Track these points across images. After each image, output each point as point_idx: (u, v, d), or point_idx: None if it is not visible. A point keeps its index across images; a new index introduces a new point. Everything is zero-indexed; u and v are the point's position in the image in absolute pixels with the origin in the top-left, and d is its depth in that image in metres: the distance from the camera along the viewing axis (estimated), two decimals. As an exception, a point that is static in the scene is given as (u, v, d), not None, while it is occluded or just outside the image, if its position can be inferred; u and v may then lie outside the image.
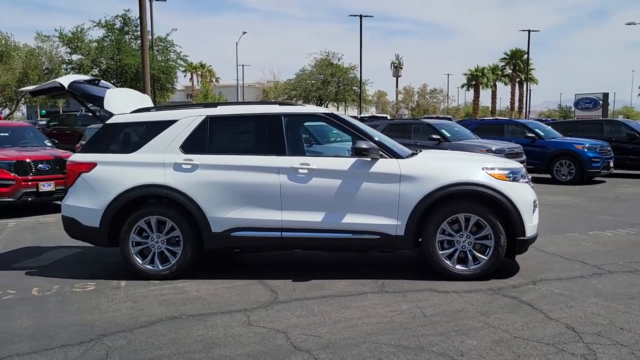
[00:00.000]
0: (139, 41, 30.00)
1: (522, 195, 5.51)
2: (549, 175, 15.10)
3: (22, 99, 31.01)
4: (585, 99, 39.23)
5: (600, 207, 10.41)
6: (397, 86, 64.98)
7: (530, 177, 6.09)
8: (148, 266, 5.75)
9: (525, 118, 45.17)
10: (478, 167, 5.57)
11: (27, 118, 55.76)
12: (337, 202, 5.53)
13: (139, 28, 29.27)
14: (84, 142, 14.71)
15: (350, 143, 9.03)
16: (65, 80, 6.08)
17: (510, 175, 5.57)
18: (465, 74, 64.32)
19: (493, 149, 13.27)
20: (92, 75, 29.02)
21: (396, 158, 5.59)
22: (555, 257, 6.36)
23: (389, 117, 27.67)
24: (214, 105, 6.04)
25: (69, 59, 30.44)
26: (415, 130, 14.91)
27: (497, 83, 64.55)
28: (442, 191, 5.41)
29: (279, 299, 5.06)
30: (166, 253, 5.75)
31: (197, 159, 5.69)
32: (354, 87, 41.12)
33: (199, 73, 75.96)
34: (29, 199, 10.32)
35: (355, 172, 5.53)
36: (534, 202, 5.62)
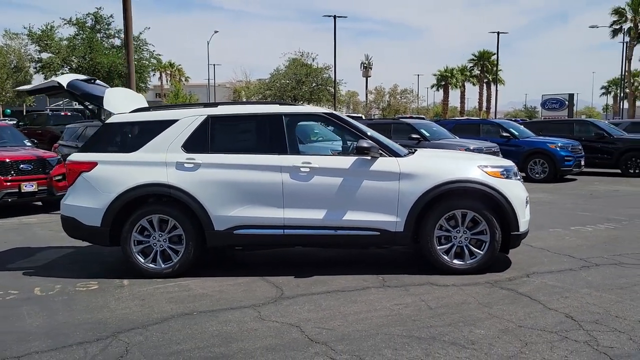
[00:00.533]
0: (111, 40, 29.68)
1: (516, 191, 5.75)
2: (523, 174, 15.51)
3: None
4: (551, 100, 40.25)
5: (576, 204, 10.80)
6: (366, 86, 65.47)
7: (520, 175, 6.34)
8: (150, 265, 5.79)
9: (495, 118, 46.03)
10: (474, 164, 5.78)
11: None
12: (339, 199, 5.67)
13: (111, 26, 29.02)
14: (61, 142, 14.55)
15: (332, 143, 9.24)
16: (64, 79, 6.07)
17: (504, 172, 5.80)
18: (434, 75, 65.28)
19: (471, 147, 13.58)
20: (63, 74, 28.53)
21: (395, 156, 5.76)
22: (544, 252, 6.63)
23: (363, 117, 27.89)
24: (215, 105, 6.11)
25: (38, 57, 29.82)
26: (395, 129, 15.14)
27: (465, 84, 65.69)
28: (440, 188, 5.60)
29: (285, 294, 5.17)
30: (168, 251, 5.80)
31: (200, 158, 5.75)
32: (328, 87, 41.36)
33: (168, 72, 75.13)
34: (9, 199, 10.15)
35: (356, 170, 5.67)
36: (526, 198, 5.87)
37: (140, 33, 29.57)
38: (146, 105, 6.75)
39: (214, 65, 68.79)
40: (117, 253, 6.90)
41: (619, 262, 6.14)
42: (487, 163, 5.87)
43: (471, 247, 5.71)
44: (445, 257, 5.71)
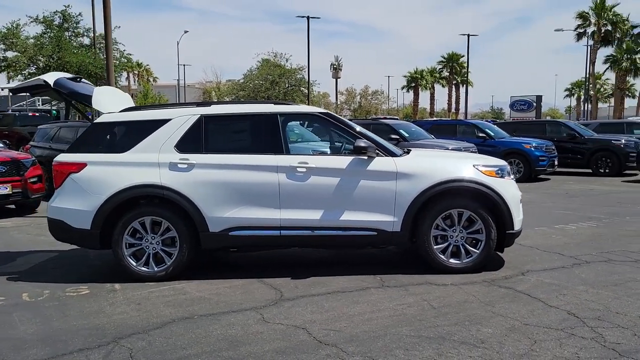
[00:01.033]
0: (79, 38, 29.03)
1: (510, 190, 5.80)
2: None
3: None
4: (520, 101, 41.08)
5: (555, 203, 11.00)
6: (336, 87, 65.63)
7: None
8: (143, 268, 5.65)
9: (466, 119, 46.64)
10: (469, 164, 5.81)
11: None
12: (336, 200, 5.63)
13: (80, 25, 28.39)
14: (33, 143, 14.13)
15: (314, 144, 9.20)
16: (50, 77, 5.88)
17: (499, 171, 5.85)
18: (405, 76, 65.87)
19: (450, 148, 13.70)
20: (29, 73, 27.79)
21: (392, 156, 5.75)
22: (534, 250, 6.71)
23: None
24: (208, 104, 6.00)
25: (3, 56, 28.94)
26: (375, 130, 15.01)
27: (435, 85, 66.47)
28: (436, 188, 5.61)
29: (285, 296, 5.10)
30: (161, 254, 5.67)
31: (193, 158, 5.64)
32: (301, 88, 41.30)
33: (136, 72, 73.87)
34: (-19, 202, 9.82)
35: (353, 170, 5.64)
36: (520, 197, 5.93)
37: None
38: (133, 104, 6.60)
39: (183, 65, 67.79)
40: (103, 256, 6.74)
41: (608, 259, 6.25)
42: (482, 162, 5.91)
43: (467, 246, 5.74)
44: (442, 257, 5.73)
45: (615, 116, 49.65)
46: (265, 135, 5.76)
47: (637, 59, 47.23)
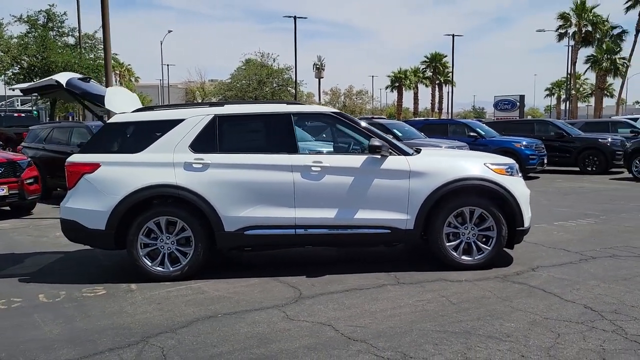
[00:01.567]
0: (64, 38, 28.70)
1: (520, 188, 5.92)
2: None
3: None
4: (503, 101, 41.62)
5: (550, 201, 11.19)
6: (319, 87, 65.84)
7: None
8: (158, 268, 5.66)
9: (451, 118, 47.03)
10: (480, 162, 5.92)
11: None
12: (350, 198, 5.69)
13: (64, 24, 28.06)
14: (25, 144, 13.96)
15: (309, 144, 9.24)
16: (62, 77, 5.84)
17: (509, 169, 5.97)
18: (389, 76, 66.22)
19: (443, 147, 13.86)
20: (13, 73, 27.41)
21: (404, 155, 5.83)
22: (539, 246, 6.84)
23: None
24: (221, 104, 6.02)
25: (-15, 56, 28.44)
26: (368, 130, 15.25)
27: (418, 85, 66.90)
28: (449, 186, 5.71)
29: (304, 294, 5.15)
30: (176, 254, 5.68)
31: (208, 158, 5.66)
32: (289, 88, 41.32)
33: (117, 72, 73.09)
34: (-23, 204, 9.70)
35: (367, 169, 5.71)
36: (529, 194, 6.05)
37: (95, 32, 28.81)
38: (140, 105, 6.59)
39: (167, 65, 67.23)
40: (111, 257, 6.73)
41: (612, 254, 6.40)
42: (492, 161, 6.02)
43: (479, 243, 5.84)
44: (454, 254, 5.82)
45: (596, 115, 50.47)
46: (279, 135, 5.81)
47: (617, 59, 48.10)
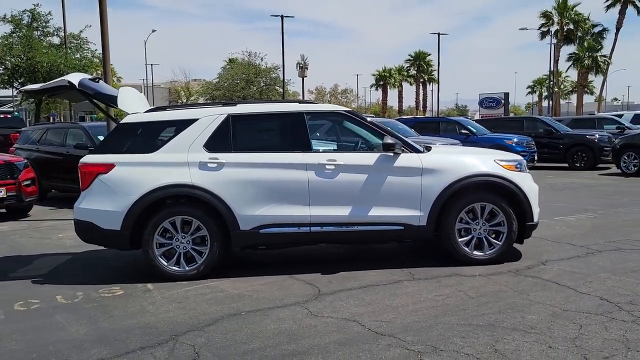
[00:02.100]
0: (49, 38, 28.35)
1: (529, 183, 6.04)
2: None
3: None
4: (488, 98, 41.91)
5: (546, 196, 11.30)
6: (303, 86, 65.89)
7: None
8: (174, 267, 5.67)
9: (438, 116, 47.34)
10: (491, 159, 6.02)
11: None
12: (364, 195, 5.76)
13: (49, 24, 27.70)
14: (17, 146, 13.79)
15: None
16: (74, 78, 5.82)
17: (518, 165, 6.08)
18: (373, 75, 66.54)
19: (437, 144, 13.98)
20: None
21: (416, 152, 5.91)
22: (544, 241, 6.98)
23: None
24: (233, 103, 6.04)
25: (-33, 57, 27.96)
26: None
27: (403, 83, 67.29)
28: (461, 182, 5.80)
29: (323, 291, 5.20)
30: (192, 253, 5.70)
31: (223, 157, 5.68)
32: (276, 87, 41.31)
33: (98, 72, 72.33)
34: (-25, 206, 9.59)
35: (380, 166, 5.78)
36: (537, 190, 6.17)
37: (81, 31, 28.48)
38: (148, 105, 6.58)
39: (151, 65, 66.76)
40: (120, 257, 6.73)
41: (617, 247, 6.56)
42: (502, 157, 6.12)
43: (490, 238, 5.94)
44: (466, 249, 5.92)
45: (578, 112, 51.22)
46: (293, 134, 5.85)
47: (599, 57, 48.87)
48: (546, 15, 49.09)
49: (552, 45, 47.90)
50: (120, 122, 5.88)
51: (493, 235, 5.96)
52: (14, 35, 26.53)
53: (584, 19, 48.95)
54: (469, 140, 16.55)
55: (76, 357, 3.87)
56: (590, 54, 49.08)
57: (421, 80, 66.84)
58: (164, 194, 5.61)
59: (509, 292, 5.01)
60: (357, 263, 6.16)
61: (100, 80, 6.34)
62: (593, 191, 12.11)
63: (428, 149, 6.30)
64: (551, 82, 50.40)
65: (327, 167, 5.72)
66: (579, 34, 49.39)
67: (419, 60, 65.42)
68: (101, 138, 11.63)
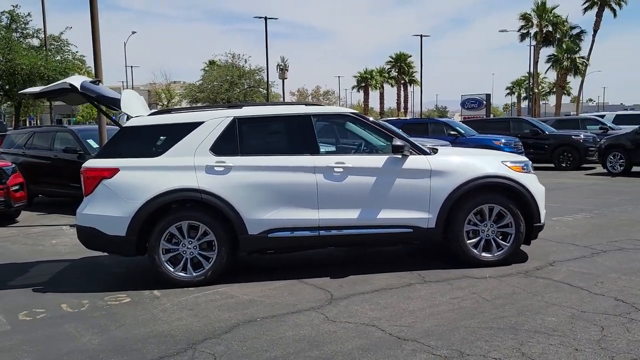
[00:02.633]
0: (28, 40, 27.84)
1: (536, 184, 6.05)
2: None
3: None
4: (470, 100, 42.31)
5: (538, 197, 11.44)
6: (283, 88, 65.73)
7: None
8: (180, 273, 5.56)
9: (420, 118, 47.60)
10: (498, 160, 6.02)
11: None
12: (373, 198, 5.71)
13: (29, 25, 27.20)
14: (2, 150, 13.47)
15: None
16: (75, 81, 5.67)
17: (525, 167, 6.09)
18: (355, 76, 66.72)
19: (428, 146, 14.00)
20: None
21: (424, 155, 5.88)
22: (547, 242, 6.99)
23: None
24: (239, 106, 5.95)
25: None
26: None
27: (384, 85, 67.56)
28: (469, 184, 5.78)
29: (335, 295, 5.13)
30: (199, 258, 5.59)
31: (230, 160, 5.59)
32: (260, 89, 41.14)
33: (76, 74, 71.40)
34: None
35: (388, 169, 5.74)
36: (544, 191, 6.18)
37: (62, 33, 28.06)
38: (148, 108, 6.46)
39: (131, 67, 66.13)
40: (121, 264, 6.60)
41: (620, 247, 6.60)
42: (509, 159, 6.13)
43: (498, 239, 5.94)
44: (475, 251, 5.90)
45: (556, 113, 51.90)
46: (300, 136, 5.78)
47: (577, 59, 49.60)
48: (525, 17, 49.68)
49: (532, 47, 48.52)
50: (124, 125, 5.74)
51: (501, 237, 5.96)
52: (-8, 36, 25.94)
53: (562, 21, 49.66)
54: (457, 141, 16.60)
55: (93, 368, 3.75)
56: (569, 56, 49.78)
57: (402, 81, 67.19)
58: (170, 199, 5.49)
59: (522, 294, 4.99)
60: (364, 266, 6.11)
61: (100, 83, 6.18)
62: (583, 191, 12.24)
63: (435, 150, 6.27)
64: (531, 84, 51.00)
65: (335, 169, 5.66)
66: (558, 35, 50.07)
67: (400, 62, 65.76)
68: (90, 141, 11.46)
